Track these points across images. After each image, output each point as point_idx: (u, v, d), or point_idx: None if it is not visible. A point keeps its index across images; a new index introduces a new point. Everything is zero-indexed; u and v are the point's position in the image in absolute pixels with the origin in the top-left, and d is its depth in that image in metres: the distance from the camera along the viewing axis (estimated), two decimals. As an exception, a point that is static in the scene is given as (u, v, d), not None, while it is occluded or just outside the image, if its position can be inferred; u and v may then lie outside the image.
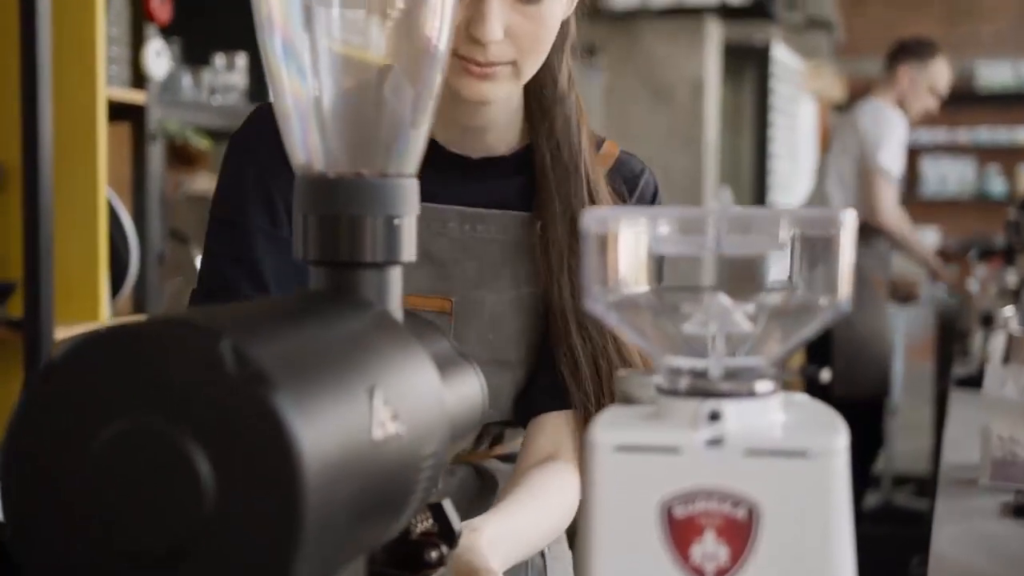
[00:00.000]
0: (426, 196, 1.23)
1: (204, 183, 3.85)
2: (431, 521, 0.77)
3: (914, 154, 9.14)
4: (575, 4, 1.30)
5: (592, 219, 0.65)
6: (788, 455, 0.60)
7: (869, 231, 4.34)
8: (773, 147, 7.13)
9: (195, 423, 0.54)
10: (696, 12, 5.50)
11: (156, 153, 2.96)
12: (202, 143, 3.26)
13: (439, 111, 1.24)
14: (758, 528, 0.60)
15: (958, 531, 1.54)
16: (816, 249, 0.64)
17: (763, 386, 0.63)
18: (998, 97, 9.18)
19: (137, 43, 2.92)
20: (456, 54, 1.18)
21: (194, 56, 3.34)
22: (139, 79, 2.93)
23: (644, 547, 0.60)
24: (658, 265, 0.66)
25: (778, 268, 0.65)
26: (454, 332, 1.29)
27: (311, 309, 0.67)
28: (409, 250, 0.73)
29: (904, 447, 5.48)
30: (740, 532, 0.60)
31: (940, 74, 4.43)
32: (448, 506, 0.77)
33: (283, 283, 1.24)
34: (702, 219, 0.64)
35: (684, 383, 0.63)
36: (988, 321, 3.11)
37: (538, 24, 1.21)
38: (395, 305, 0.73)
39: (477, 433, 1.31)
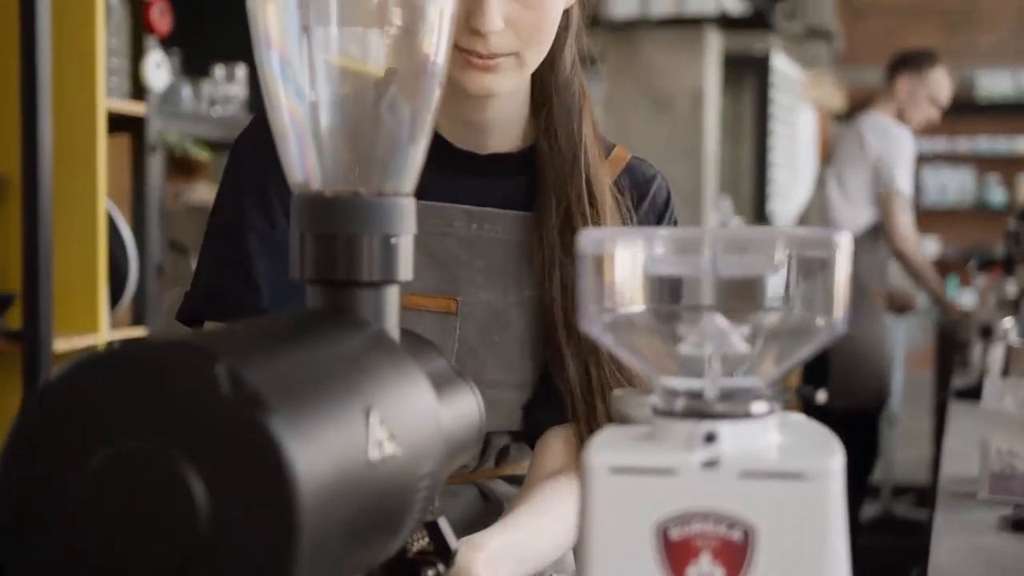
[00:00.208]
0: (432, 194, 1.25)
1: (204, 193, 3.85)
2: (427, 540, 0.77)
3: (914, 162, 9.14)
4: None
5: (588, 239, 0.65)
6: (784, 477, 0.60)
7: (868, 241, 4.34)
8: (773, 156, 7.13)
9: (191, 445, 0.54)
10: (696, 22, 5.50)
11: (155, 164, 2.96)
12: (202, 154, 3.26)
13: (445, 106, 1.24)
14: (754, 550, 0.60)
15: (957, 545, 1.54)
16: (812, 270, 0.64)
17: (759, 407, 0.63)
18: (998, 106, 9.19)
19: (137, 54, 2.93)
20: (458, 47, 1.17)
21: (194, 67, 3.34)
22: (139, 90, 2.93)
23: (640, 569, 0.60)
24: (656, 285, 0.66)
25: (774, 288, 0.65)
26: (459, 333, 1.27)
27: (308, 329, 0.67)
28: (406, 269, 0.73)
29: (904, 457, 5.49)
30: (736, 554, 0.60)
31: (939, 84, 4.43)
32: (444, 524, 0.77)
33: (276, 287, 1.23)
34: (698, 240, 0.64)
35: (680, 404, 0.63)
36: (987, 333, 3.11)
37: (539, 13, 1.19)
38: (392, 324, 0.73)
39: (480, 447, 1.30)
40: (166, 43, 3.04)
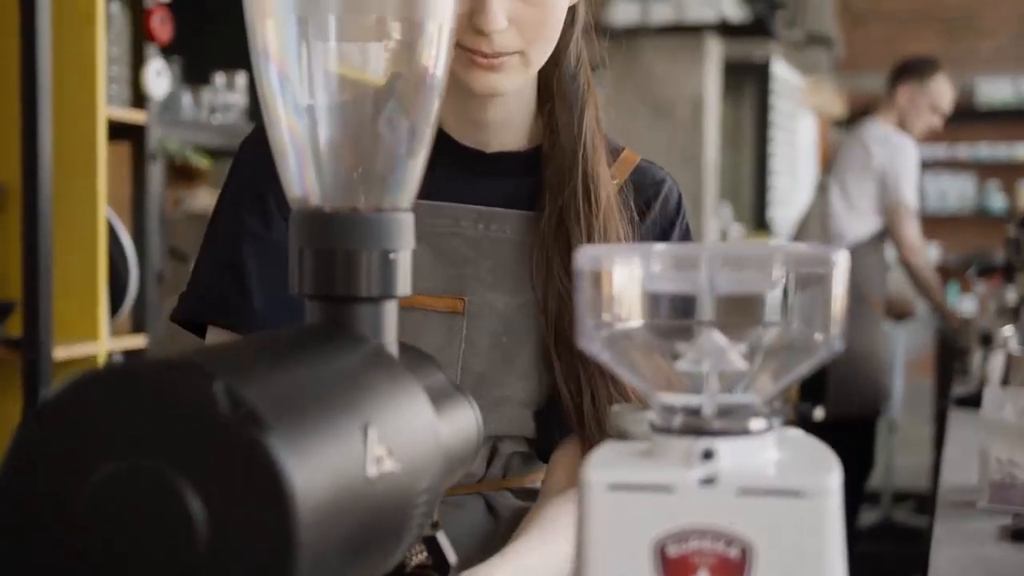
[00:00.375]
0: (439, 193, 1.24)
1: (204, 200, 3.85)
2: (426, 554, 0.77)
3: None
4: None
5: (585, 256, 0.65)
6: (781, 494, 0.60)
7: (870, 250, 4.34)
8: (773, 163, 7.14)
9: (189, 463, 0.54)
10: (696, 30, 5.51)
11: (156, 173, 2.97)
12: (202, 162, 3.26)
13: (451, 104, 1.24)
14: (751, 567, 0.60)
15: (957, 555, 1.54)
16: (810, 287, 0.64)
17: (757, 424, 0.63)
18: (998, 113, 9.20)
19: (137, 63, 2.93)
20: (461, 46, 1.16)
21: (194, 75, 3.34)
22: (139, 98, 2.93)
23: (637, 586, 0.60)
24: (653, 301, 0.66)
25: (772, 305, 0.65)
26: (466, 334, 1.25)
27: (306, 345, 0.67)
28: (404, 284, 0.73)
29: (904, 463, 5.49)
30: (733, 571, 0.60)
31: (940, 92, 4.43)
32: (443, 539, 0.77)
33: (269, 291, 1.21)
34: (695, 257, 0.64)
35: (677, 421, 0.63)
36: (987, 340, 3.11)
37: (543, 10, 1.18)
38: (390, 339, 0.73)
39: (488, 455, 1.28)
40: (166, 51, 3.04)
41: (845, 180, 4.40)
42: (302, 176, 0.73)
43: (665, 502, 0.60)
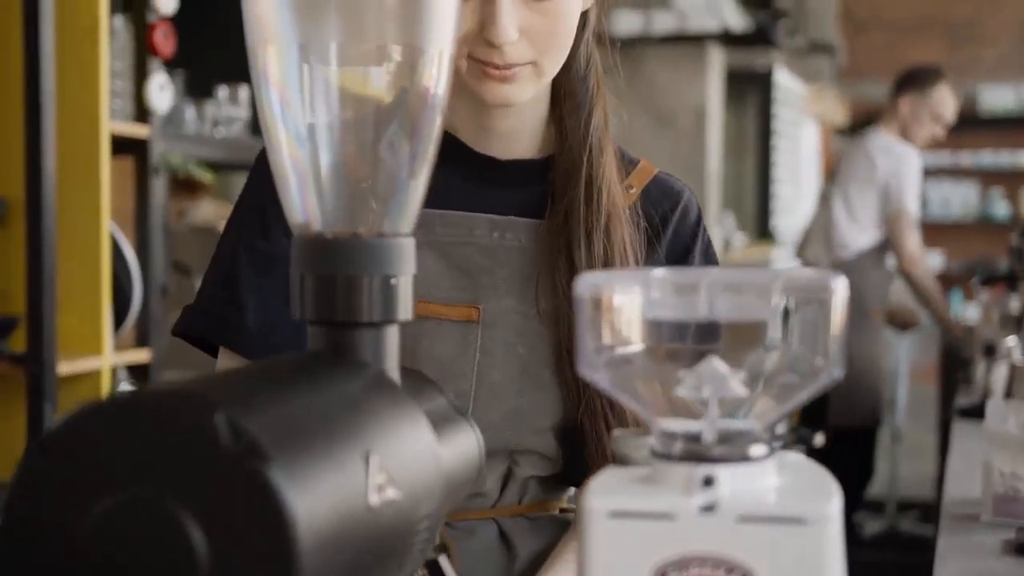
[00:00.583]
0: (453, 201, 1.24)
1: (208, 211, 3.85)
2: (428, 578, 0.78)
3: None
4: None
5: (584, 283, 0.65)
6: (782, 522, 0.60)
7: (872, 261, 4.34)
8: (776, 171, 7.14)
9: (191, 495, 0.54)
10: (698, 39, 5.52)
11: (159, 187, 2.97)
12: (205, 176, 3.27)
13: (465, 114, 1.24)
14: (752, 594, 0.60)
15: (960, 569, 1.54)
16: (809, 313, 0.64)
17: (757, 450, 0.63)
18: (1001, 120, 9.21)
19: (140, 77, 2.93)
20: (473, 58, 1.16)
21: (197, 88, 3.35)
22: (142, 112, 2.94)
23: (638, 613, 0.61)
24: (653, 327, 0.66)
25: (772, 331, 0.65)
26: (481, 343, 1.23)
27: (307, 373, 0.67)
28: (406, 309, 0.73)
29: (908, 472, 5.48)
30: (734, 598, 0.60)
31: (943, 102, 4.42)
32: (444, 563, 0.78)
33: (264, 307, 1.21)
34: (695, 283, 0.64)
35: (678, 447, 0.63)
36: (990, 351, 3.10)
37: (554, 20, 1.17)
38: (392, 364, 0.73)
39: (503, 479, 1.25)
40: (169, 64, 3.05)
41: (848, 191, 4.41)
42: (303, 201, 0.73)
43: (666, 529, 0.61)
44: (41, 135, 2.49)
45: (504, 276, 1.24)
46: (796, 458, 0.68)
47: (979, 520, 1.73)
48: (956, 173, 9.46)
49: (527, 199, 1.27)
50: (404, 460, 0.66)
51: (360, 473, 0.61)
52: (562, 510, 1.31)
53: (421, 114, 0.75)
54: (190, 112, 3.25)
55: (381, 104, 0.74)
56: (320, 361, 0.70)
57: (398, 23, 0.73)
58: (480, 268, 1.24)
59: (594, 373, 0.66)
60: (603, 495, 0.62)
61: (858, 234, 4.37)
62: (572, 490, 1.34)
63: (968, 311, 5.43)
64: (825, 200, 4.59)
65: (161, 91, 2.95)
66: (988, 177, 9.45)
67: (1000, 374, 2.56)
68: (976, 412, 2.47)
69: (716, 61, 5.69)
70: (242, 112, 3.39)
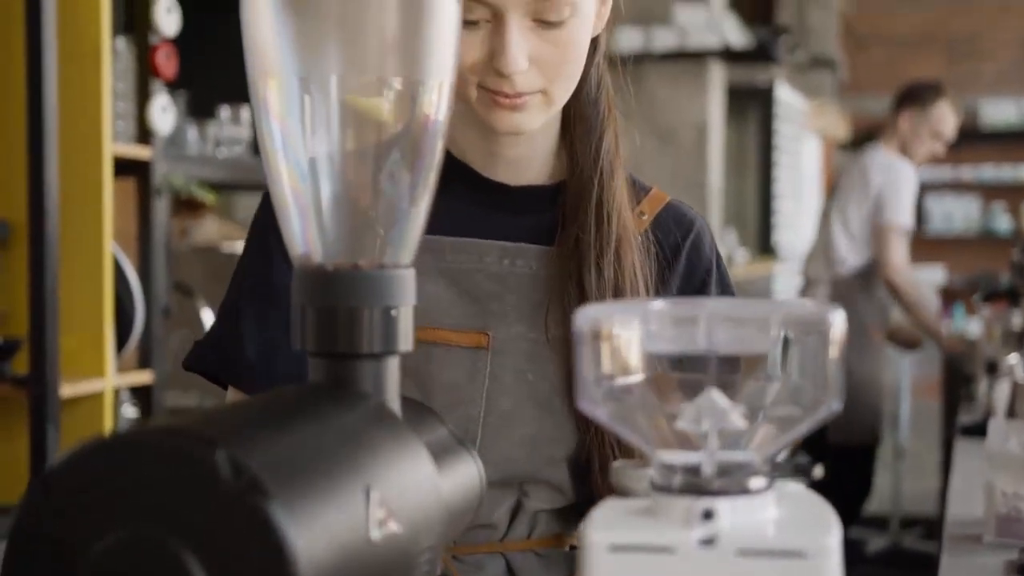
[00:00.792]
0: (463, 229, 1.24)
1: (211, 229, 3.86)
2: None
3: (918, 191, 9.17)
4: (606, 18, 1.25)
5: (584, 317, 0.66)
6: (782, 555, 0.60)
7: (868, 280, 4.33)
8: (777, 187, 7.14)
9: (192, 533, 0.55)
10: (699, 56, 5.53)
11: (161, 208, 2.98)
12: (207, 197, 3.27)
13: (475, 141, 1.24)
14: (752, 628, 0.60)
15: (963, 590, 1.54)
16: (808, 346, 0.64)
17: (756, 482, 0.63)
18: (1002, 135, 9.22)
19: (143, 98, 2.94)
20: (483, 87, 1.15)
21: (199, 109, 3.35)
22: (144, 134, 2.94)
23: (639, 647, 0.61)
24: (652, 360, 0.66)
25: (771, 363, 0.66)
26: (490, 370, 1.21)
27: (308, 406, 0.67)
28: (406, 340, 0.74)
29: (912, 488, 5.47)
30: (734, 632, 0.60)
31: (942, 119, 4.42)
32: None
33: (263, 339, 1.22)
34: (694, 316, 0.64)
35: (677, 480, 0.63)
36: (992, 368, 3.10)
37: (564, 48, 1.16)
38: (392, 394, 0.74)
39: (511, 511, 1.23)
40: (171, 85, 3.06)
41: (846, 207, 4.41)
42: (304, 233, 0.73)
43: (666, 563, 0.61)
44: (44, 157, 2.49)
45: (514, 303, 1.23)
46: (796, 488, 0.68)
47: (982, 541, 1.73)
48: (958, 187, 9.48)
49: (537, 225, 1.26)
50: (405, 493, 0.66)
51: (361, 507, 0.61)
52: (572, 546, 1.28)
53: (422, 144, 0.75)
54: (192, 133, 3.26)
55: (382, 136, 0.75)
56: (321, 393, 0.71)
57: (398, 56, 0.74)
58: (490, 294, 1.23)
59: (594, 407, 0.66)
60: (603, 528, 0.63)
61: (856, 251, 4.36)
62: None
63: (970, 326, 5.43)
64: (825, 217, 4.59)
65: (163, 112, 2.95)
66: (990, 191, 9.46)
67: (1002, 392, 2.56)
68: (978, 430, 2.46)
69: (717, 77, 5.71)
70: (244, 132, 3.39)
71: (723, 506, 0.62)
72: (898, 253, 4.28)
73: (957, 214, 9.48)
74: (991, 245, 9.14)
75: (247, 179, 3.45)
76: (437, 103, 0.75)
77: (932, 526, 4.91)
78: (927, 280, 8.03)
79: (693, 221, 1.32)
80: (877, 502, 5.09)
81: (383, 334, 0.72)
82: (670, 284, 1.29)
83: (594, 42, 1.24)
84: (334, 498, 0.59)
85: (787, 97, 7.28)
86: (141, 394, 2.94)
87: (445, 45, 0.74)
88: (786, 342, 0.65)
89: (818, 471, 0.65)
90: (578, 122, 1.27)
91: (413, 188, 0.75)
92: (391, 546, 0.63)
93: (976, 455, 2.13)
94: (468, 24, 1.12)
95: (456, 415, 1.19)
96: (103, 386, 2.73)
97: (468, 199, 1.26)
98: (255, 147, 3.42)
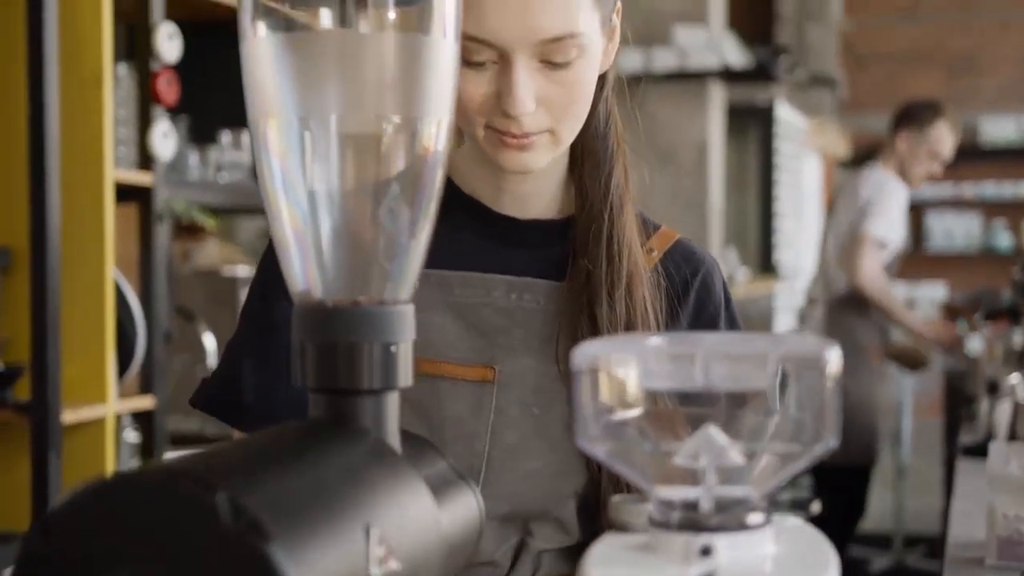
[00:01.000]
0: (470, 263, 1.25)
1: (213, 252, 3.87)
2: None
3: (919, 209, 9.20)
4: (614, 54, 1.25)
5: (581, 355, 0.66)
6: (779, 592, 0.60)
7: (864, 300, 4.30)
8: (778, 206, 7.16)
9: (193, 575, 0.55)
10: (699, 76, 5.54)
11: (163, 233, 2.98)
12: (208, 222, 3.28)
13: (484, 177, 1.25)
14: (750, 665, 0.60)
15: (965, 614, 1.53)
16: (805, 382, 0.65)
17: (754, 518, 0.63)
18: (1002, 152, 9.24)
19: (144, 124, 2.95)
20: (490, 127, 1.16)
21: (200, 134, 3.37)
22: (146, 160, 2.95)
23: None
24: (650, 396, 0.67)
25: (769, 399, 0.66)
26: (496, 404, 1.21)
27: (308, 444, 0.68)
28: (406, 376, 0.74)
29: (915, 506, 5.46)
30: (733, 669, 0.60)
31: (940, 139, 4.41)
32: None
33: (259, 379, 1.24)
34: (691, 353, 0.65)
35: (675, 516, 0.64)
36: (994, 388, 3.10)
37: (571, 88, 1.16)
38: (392, 429, 0.74)
39: (514, 551, 1.22)
40: (172, 111, 3.07)
41: (840, 227, 4.40)
42: (304, 270, 0.74)
43: (664, 600, 0.61)
44: (45, 183, 2.51)
45: (521, 336, 1.23)
46: (794, 523, 0.68)
47: (984, 564, 1.73)
48: (959, 204, 9.49)
49: (546, 259, 1.26)
50: (404, 530, 0.67)
51: (361, 546, 0.61)
52: None
53: (421, 180, 0.76)
54: (193, 158, 3.27)
55: (381, 172, 0.75)
56: (321, 429, 0.71)
57: (397, 95, 0.74)
58: (497, 329, 1.23)
59: (592, 443, 0.66)
60: (602, 564, 0.63)
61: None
62: None
63: (972, 343, 5.42)
64: (823, 238, 4.59)
65: (164, 138, 2.96)
66: (991, 208, 9.47)
67: (1003, 412, 2.56)
68: (980, 451, 2.46)
69: (717, 97, 5.72)
70: (245, 157, 3.40)
71: (721, 542, 0.62)
72: (868, 261, 4.20)
73: (958, 231, 9.49)
74: (992, 262, 9.15)
75: (248, 203, 3.46)
76: (436, 135, 0.76)
77: (935, 545, 4.91)
78: (928, 297, 8.04)
79: (703, 259, 1.32)
80: (880, 520, 5.09)
81: (383, 370, 0.72)
82: (680, 320, 1.28)
83: (602, 78, 1.25)
84: (334, 537, 0.60)
85: (787, 116, 7.29)
86: (143, 419, 2.94)
87: (443, 83, 0.75)
88: (783, 378, 0.65)
89: (815, 506, 0.65)
90: (587, 157, 1.27)
91: (413, 223, 0.76)
92: (391, 584, 0.63)
93: (977, 476, 2.13)
94: (475, 65, 1.13)
95: (461, 449, 1.20)
96: (105, 412, 2.74)
97: (477, 233, 1.27)
98: (255, 173, 3.43)
